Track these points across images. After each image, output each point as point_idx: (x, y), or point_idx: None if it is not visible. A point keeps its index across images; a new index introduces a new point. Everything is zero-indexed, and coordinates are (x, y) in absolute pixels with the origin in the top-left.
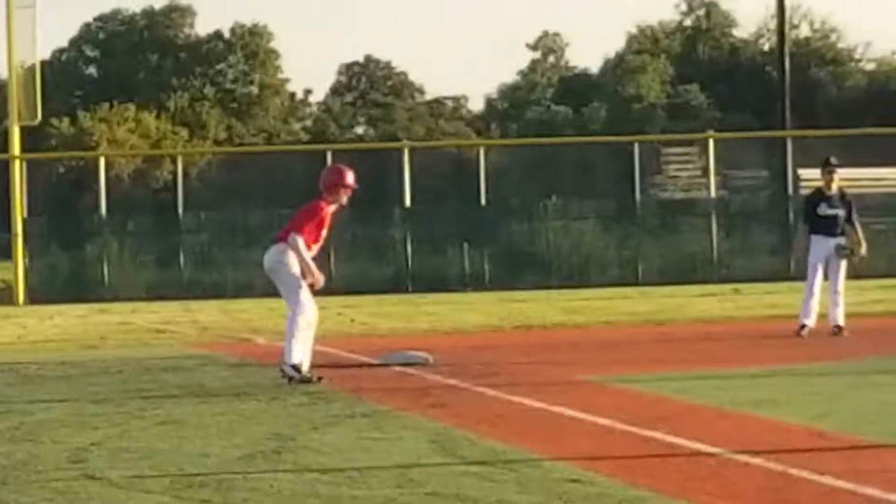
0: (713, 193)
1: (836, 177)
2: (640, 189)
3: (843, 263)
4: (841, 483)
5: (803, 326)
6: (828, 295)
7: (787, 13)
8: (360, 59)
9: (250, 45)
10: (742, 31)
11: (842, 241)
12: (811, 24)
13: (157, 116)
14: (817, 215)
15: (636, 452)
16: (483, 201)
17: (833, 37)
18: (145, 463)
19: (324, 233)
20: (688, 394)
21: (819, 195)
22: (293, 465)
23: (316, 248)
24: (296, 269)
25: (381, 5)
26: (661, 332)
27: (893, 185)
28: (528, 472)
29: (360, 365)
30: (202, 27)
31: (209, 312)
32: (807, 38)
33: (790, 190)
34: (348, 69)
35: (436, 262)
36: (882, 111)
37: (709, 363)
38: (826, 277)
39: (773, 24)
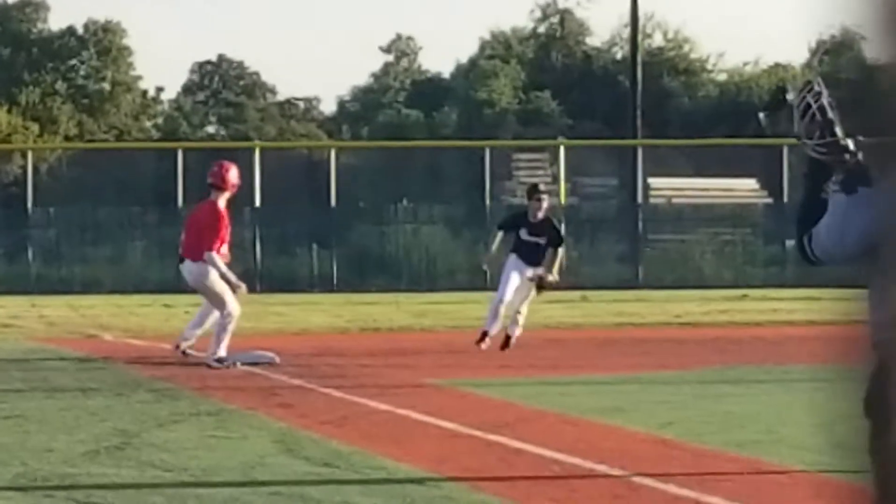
0: (563, 200)
1: (543, 205)
2: (491, 194)
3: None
4: (685, 491)
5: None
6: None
7: (641, 22)
8: (213, 58)
9: (103, 41)
10: (595, 40)
11: (539, 270)
12: (665, 33)
13: (9, 111)
14: (519, 238)
15: (481, 457)
16: (333, 203)
17: (686, 47)
18: None
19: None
20: (534, 399)
21: (523, 218)
22: (137, 461)
23: (225, 247)
24: (217, 281)
25: (235, 5)
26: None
27: (742, 195)
28: (372, 474)
29: (207, 363)
30: (55, 22)
31: (56, 308)
32: (660, 48)
33: (640, 198)
34: (201, 68)
35: (285, 263)
36: (733, 122)
37: (555, 369)
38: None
39: (626, 33)
